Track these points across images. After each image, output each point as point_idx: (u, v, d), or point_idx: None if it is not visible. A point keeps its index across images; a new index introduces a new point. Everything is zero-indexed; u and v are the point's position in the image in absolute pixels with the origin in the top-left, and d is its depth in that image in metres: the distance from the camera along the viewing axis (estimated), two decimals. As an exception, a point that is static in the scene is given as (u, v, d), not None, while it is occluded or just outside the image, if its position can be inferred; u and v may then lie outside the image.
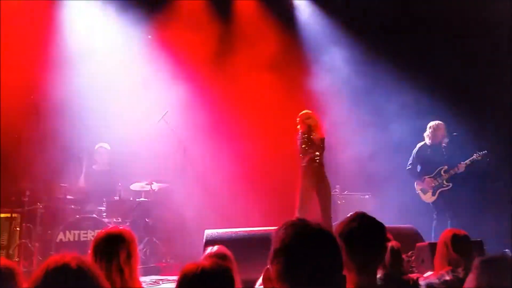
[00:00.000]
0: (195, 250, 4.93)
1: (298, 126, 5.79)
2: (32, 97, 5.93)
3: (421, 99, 7.27)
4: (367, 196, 7.40)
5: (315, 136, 5.71)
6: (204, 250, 2.68)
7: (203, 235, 4.84)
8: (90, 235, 5.88)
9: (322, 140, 5.73)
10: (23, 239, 5.92)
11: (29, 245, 5.93)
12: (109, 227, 2.42)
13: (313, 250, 1.40)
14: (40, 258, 5.78)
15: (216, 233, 4.93)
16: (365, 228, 1.99)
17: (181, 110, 7.09)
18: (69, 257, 1.48)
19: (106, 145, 6.79)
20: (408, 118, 7.16)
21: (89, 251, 2.32)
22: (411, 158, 6.53)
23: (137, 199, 6.65)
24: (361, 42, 7.66)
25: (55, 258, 1.48)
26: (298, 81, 7.71)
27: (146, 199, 6.66)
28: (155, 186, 6.56)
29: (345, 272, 1.89)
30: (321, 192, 5.57)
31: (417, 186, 6.48)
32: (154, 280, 5.42)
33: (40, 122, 6.35)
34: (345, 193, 7.42)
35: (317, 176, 5.61)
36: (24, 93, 6.21)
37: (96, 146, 6.77)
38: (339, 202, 7.20)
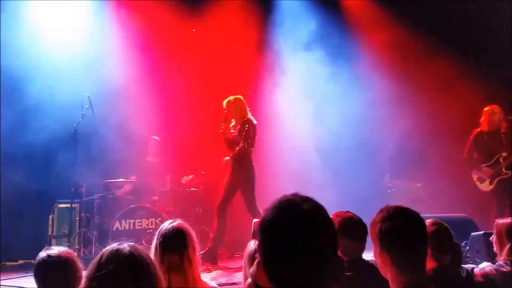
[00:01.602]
0: (243, 239, 4.99)
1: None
2: (87, 94, 6.19)
3: (476, 82, 6.93)
4: (419, 185, 7.17)
5: (245, 123, 5.56)
6: (253, 239, 2.71)
7: (251, 224, 4.88)
8: (144, 224, 6.14)
9: (253, 128, 5.58)
10: (82, 228, 6.27)
11: (88, 233, 6.27)
12: (171, 221, 2.51)
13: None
14: (98, 246, 6.09)
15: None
16: (408, 225, 1.80)
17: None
18: (123, 245, 1.58)
19: (157, 137, 7.01)
20: (463, 102, 6.85)
21: (156, 245, 2.41)
22: (467, 146, 6.24)
23: (187, 189, 6.82)
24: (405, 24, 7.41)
25: (111, 246, 1.58)
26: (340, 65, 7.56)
27: (195, 189, 6.82)
28: (205, 176, 6.70)
29: (388, 271, 1.80)
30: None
31: (474, 175, 6.19)
32: (204, 268, 5.55)
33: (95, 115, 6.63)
34: (395, 181, 7.22)
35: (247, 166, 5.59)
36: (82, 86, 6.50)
37: (149, 138, 7.00)
38: (388, 191, 7.03)
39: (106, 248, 1.59)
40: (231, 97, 5.72)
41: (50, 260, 2.24)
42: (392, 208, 1.84)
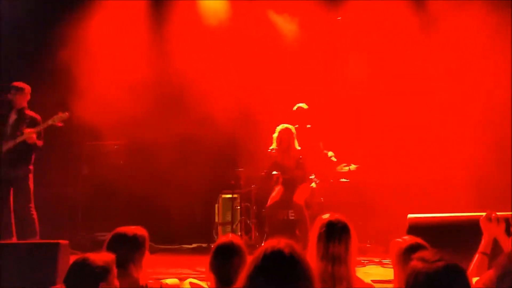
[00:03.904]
0: (395, 235, 4.85)
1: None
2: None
3: None
4: None
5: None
6: (408, 235, 2.68)
7: (406, 219, 4.71)
8: (297, 215, 6.41)
9: None
10: (243, 216, 6.86)
11: (248, 221, 6.84)
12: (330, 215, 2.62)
13: None
14: (257, 234, 6.60)
15: (420, 218, 4.72)
16: None
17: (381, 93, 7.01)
18: (283, 243, 1.63)
19: (304, 105, 6.58)
20: None
21: (320, 236, 2.51)
22: None
23: (339, 179, 6.83)
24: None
25: (271, 243, 1.65)
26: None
27: (346, 180, 6.78)
28: (353, 167, 6.64)
29: None
30: None
31: None
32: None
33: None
34: None
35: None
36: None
37: (295, 107, 6.64)
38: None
39: (266, 247, 1.64)
40: (287, 125, 6.15)
41: (234, 245, 2.56)
42: None
